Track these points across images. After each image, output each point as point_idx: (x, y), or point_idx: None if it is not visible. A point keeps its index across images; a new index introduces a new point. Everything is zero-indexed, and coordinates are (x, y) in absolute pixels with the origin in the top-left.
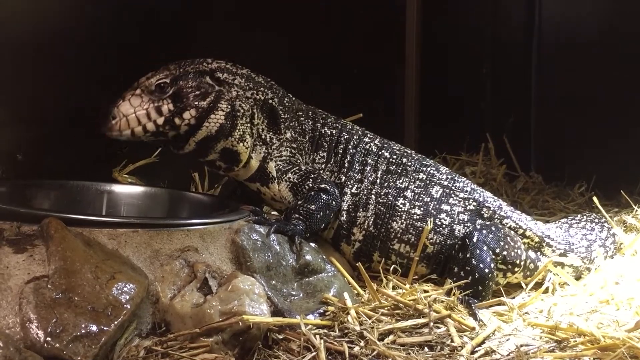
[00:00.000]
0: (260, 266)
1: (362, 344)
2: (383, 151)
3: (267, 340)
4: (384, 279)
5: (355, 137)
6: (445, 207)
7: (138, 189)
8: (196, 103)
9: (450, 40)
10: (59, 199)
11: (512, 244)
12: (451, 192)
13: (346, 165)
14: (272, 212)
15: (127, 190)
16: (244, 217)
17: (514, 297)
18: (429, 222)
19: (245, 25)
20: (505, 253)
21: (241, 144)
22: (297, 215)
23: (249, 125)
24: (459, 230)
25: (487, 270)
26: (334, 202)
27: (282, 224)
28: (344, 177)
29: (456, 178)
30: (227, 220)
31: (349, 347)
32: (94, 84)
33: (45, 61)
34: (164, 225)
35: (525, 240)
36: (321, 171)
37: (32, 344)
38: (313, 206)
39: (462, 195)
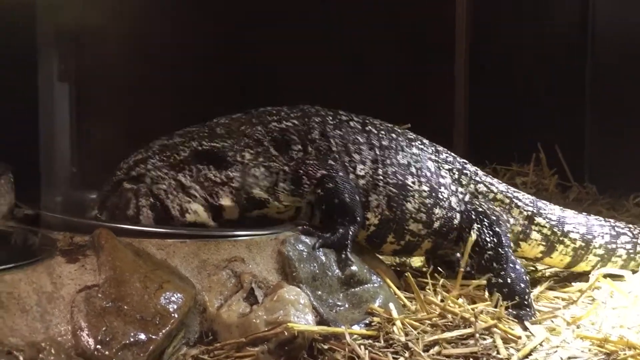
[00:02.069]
0: (305, 277)
1: (406, 354)
2: (369, 127)
3: (312, 350)
4: (431, 289)
5: (329, 117)
6: (441, 180)
7: None
8: (126, 215)
9: (501, 48)
10: None
11: (504, 226)
12: (440, 165)
13: (335, 148)
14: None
15: None
16: (290, 228)
17: (564, 308)
18: (472, 232)
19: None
20: (508, 241)
21: (188, 215)
22: (333, 222)
23: (181, 194)
24: (454, 202)
25: (522, 271)
26: (341, 173)
27: (330, 236)
28: (333, 163)
29: (439, 149)
30: (274, 232)
31: (393, 358)
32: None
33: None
34: (212, 236)
35: (497, 203)
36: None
37: (82, 351)
38: (336, 199)
39: (447, 166)
